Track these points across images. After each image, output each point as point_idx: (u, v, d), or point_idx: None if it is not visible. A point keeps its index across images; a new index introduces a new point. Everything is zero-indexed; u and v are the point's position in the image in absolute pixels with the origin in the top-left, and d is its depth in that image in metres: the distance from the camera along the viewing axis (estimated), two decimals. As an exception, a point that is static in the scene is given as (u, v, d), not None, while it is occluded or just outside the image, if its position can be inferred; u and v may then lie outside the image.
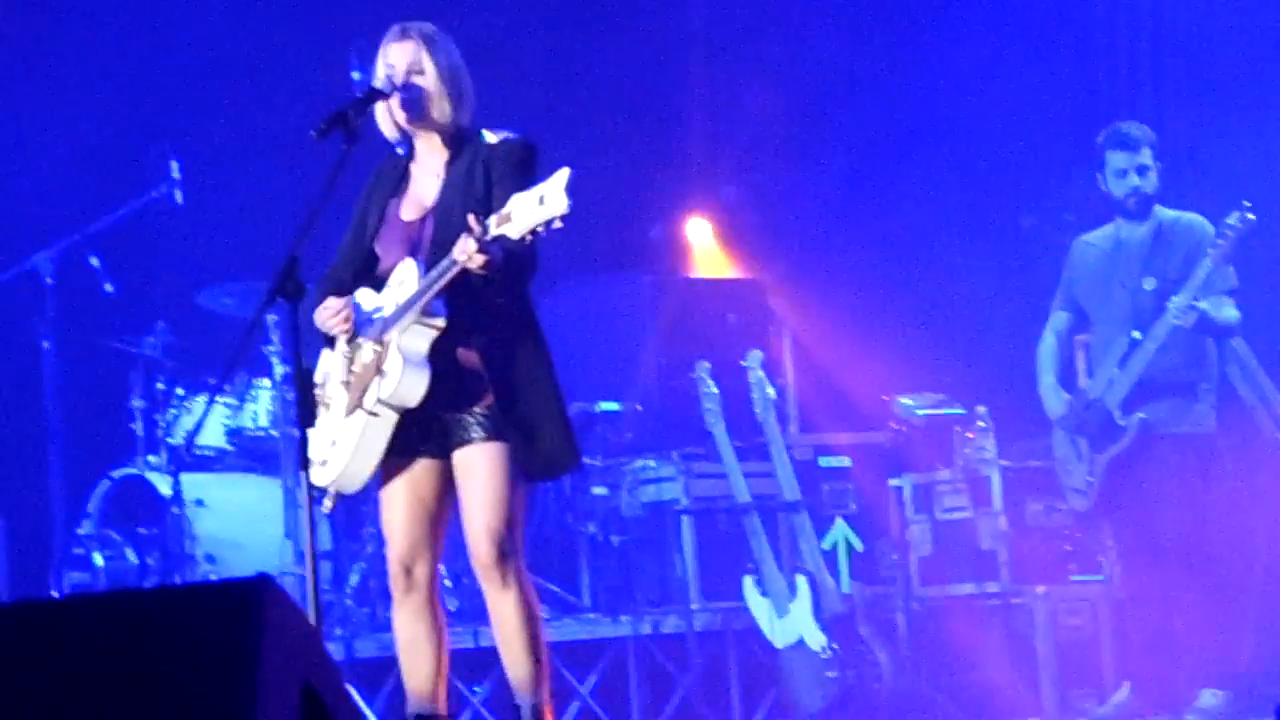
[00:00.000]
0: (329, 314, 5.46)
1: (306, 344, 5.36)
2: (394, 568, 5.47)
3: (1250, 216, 7.18)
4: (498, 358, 5.35)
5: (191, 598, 3.20)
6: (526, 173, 5.36)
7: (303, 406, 5.35)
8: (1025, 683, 8.00)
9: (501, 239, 5.07)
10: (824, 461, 8.96)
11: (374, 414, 5.32)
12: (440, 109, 5.46)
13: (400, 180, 5.56)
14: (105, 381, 8.82)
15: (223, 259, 9.00)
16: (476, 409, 5.34)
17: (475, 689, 7.92)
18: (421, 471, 5.43)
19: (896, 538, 8.55)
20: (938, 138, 9.55)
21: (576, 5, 10.52)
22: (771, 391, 8.24)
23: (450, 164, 5.47)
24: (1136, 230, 7.55)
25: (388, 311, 5.36)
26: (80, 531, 8.55)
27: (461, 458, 5.36)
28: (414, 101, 5.45)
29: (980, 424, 8.39)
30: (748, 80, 10.42)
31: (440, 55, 5.48)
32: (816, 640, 7.87)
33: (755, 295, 10.06)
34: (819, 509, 8.46)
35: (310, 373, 5.54)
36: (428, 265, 5.31)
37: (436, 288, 5.24)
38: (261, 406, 8.71)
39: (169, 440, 8.63)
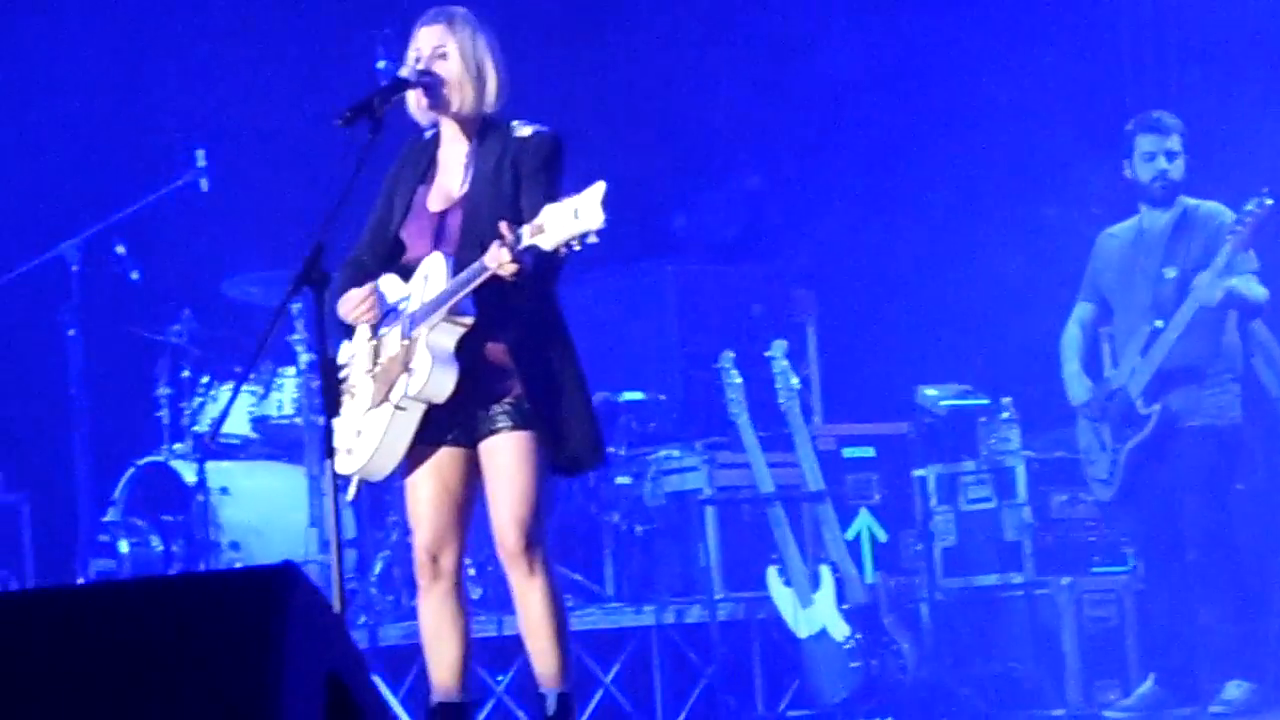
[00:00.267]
0: (352, 304, 5.44)
1: (330, 333, 5.36)
2: (420, 556, 5.46)
3: (1269, 202, 7.17)
4: (525, 353, 5.32)
5: (216, 585, 3.19)
6: (554, 168, 5.33)
7: (328, 395, 5.30)
8: (1049, 674, 8.00)
9: (533, 248, 5.05)
10: (848, 452, 8.94)
11: (401, 408, 5.32)
12: (462, 96, 5.40)
13: (428, 167, 5.51)
14: (131, 370, 8.83)
15: (248, 247, 9.00)
16: (505, 400, 5.33)
17: (499, 677, 7.92)
18: (448, 460, 5.42)
19: (920, 528, 8.54)
20: (963, 129, 9.52)
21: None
22: (796, 381, 8.23)
23: (476, 154, 5.42)
24: (1160, 218, 7.53)
25: (414, 304, 5.34)
26: (105, 519, 8.57)
27: (488, 447, 5.34)
28: (433, 88, 5.39)
29: (1005, 415, 8.38)
30: (773, 66, 10.38)
31: (466, 41, 5.40)
32: (840, 630, 7.87)
33: (780, 285, 10.03)
34: (843, 499, 8.45)
35: (335, 362, 5.53)
36: (455, 258, 5.29)
37: (466, 290, 5.22)
38: (286, 395, 8.71)
39: (194, 428, 8.63)
